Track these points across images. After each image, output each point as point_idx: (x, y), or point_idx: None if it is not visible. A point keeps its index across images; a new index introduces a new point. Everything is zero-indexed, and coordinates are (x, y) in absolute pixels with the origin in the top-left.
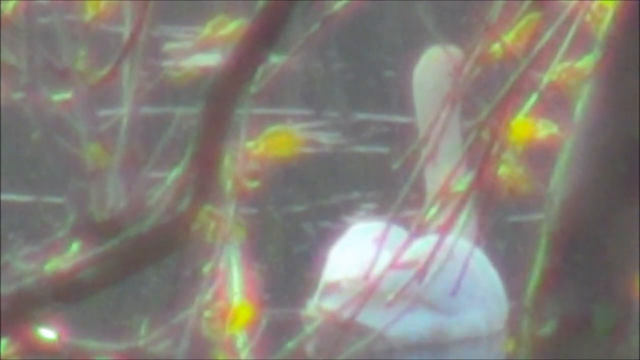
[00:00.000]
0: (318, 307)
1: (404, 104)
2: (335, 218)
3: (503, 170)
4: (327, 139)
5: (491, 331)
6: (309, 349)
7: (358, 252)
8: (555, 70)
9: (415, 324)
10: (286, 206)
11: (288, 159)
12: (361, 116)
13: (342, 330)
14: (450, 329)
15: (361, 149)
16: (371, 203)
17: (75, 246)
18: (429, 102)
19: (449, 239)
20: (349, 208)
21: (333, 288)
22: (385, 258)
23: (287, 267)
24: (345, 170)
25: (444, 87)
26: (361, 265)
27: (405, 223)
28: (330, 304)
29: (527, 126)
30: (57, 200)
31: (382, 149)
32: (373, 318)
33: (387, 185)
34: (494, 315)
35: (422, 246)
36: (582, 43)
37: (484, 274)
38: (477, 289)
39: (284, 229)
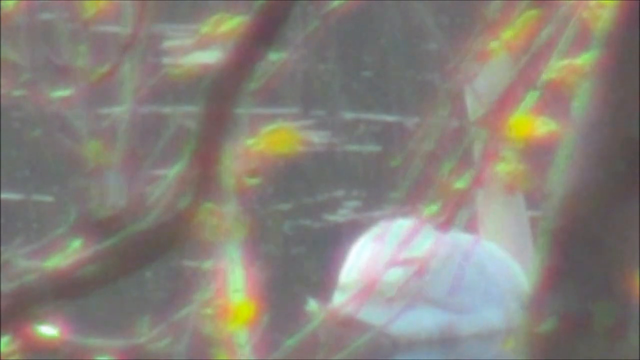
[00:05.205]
0: (319, 304)
1: (395, 103)
2: (318, 216)
3: (502, 168)
4: (317, 138)
5: (510, 327)
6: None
7: (371, 253)
8: (555, 68)
9: (421, 322)
10: (273, 205)
11: (288, 157)
12: (351, 115)
13: (343, 327)
14: (460, 326)
15: (352, 147)
16: (356, 201)
17: (75, 243)
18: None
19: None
20: (333, 206)
21: (345, 290)
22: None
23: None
24: (336, 168)
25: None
26: (368, 266)
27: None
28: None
29: (526, 123)
30: (55, 198)
31: (373, 148)
32: (375, 315)
33: (376, 184)
34: (513, 311)
35: (425, 242)
36: (581, 40)
37: (502, 270)
38: (493, 286)
39: (266, 228)
